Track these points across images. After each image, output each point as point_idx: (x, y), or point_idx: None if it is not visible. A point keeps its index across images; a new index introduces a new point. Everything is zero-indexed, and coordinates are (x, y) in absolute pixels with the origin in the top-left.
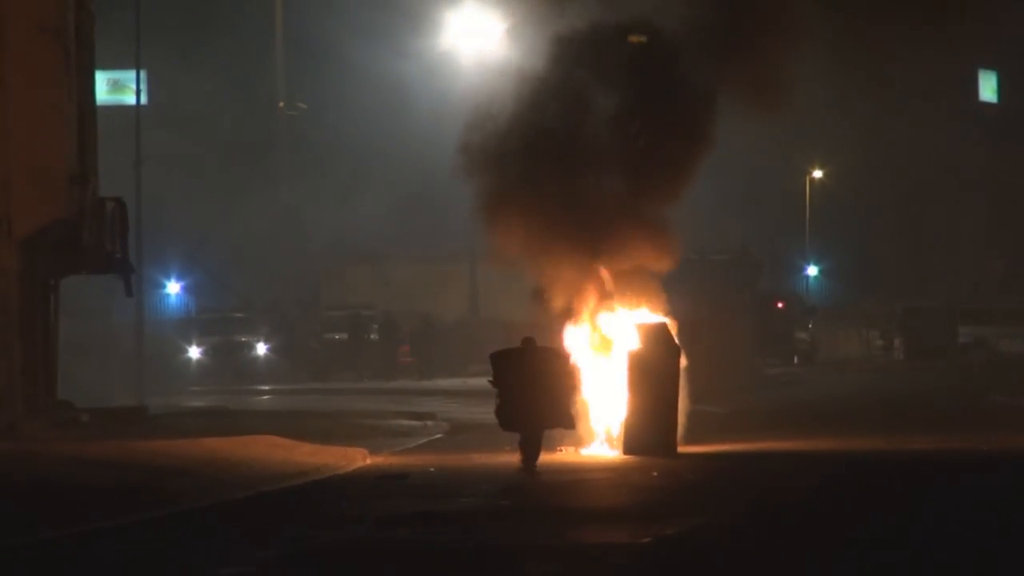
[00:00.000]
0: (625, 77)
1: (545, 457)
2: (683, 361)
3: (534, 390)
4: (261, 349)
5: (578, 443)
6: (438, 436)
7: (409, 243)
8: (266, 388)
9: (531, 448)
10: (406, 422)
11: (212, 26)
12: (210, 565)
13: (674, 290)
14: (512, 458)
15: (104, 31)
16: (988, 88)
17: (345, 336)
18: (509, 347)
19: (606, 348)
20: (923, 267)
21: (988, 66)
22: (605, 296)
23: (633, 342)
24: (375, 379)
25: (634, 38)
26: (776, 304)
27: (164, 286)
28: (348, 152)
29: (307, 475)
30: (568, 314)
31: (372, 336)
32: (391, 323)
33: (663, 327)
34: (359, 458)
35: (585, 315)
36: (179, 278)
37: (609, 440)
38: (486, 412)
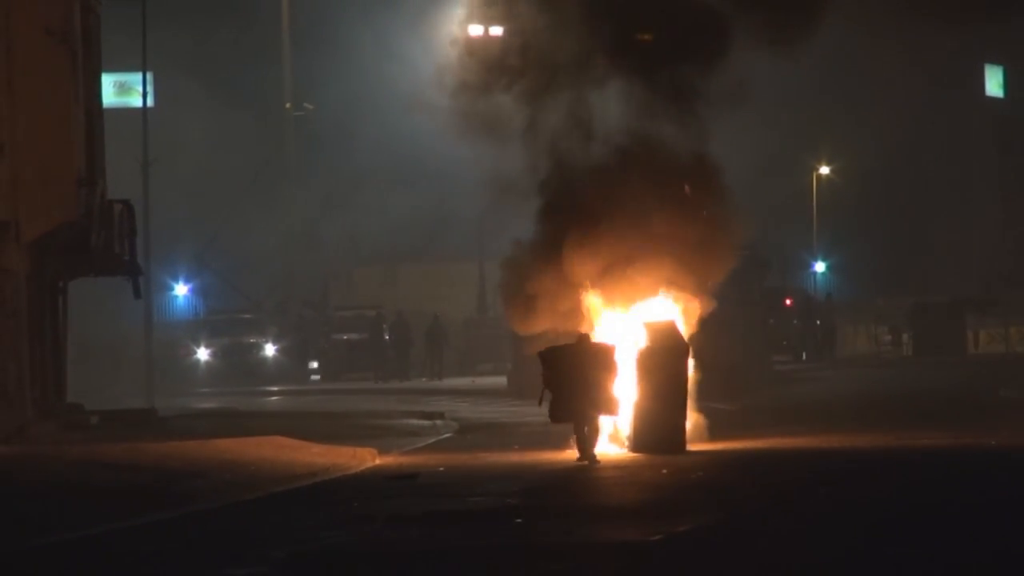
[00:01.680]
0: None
1: (552, 455)
2: (691, 359)
3: (587, 381)
4: (270, 350)
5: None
6: (447, 436)
7: (417, 243)
8: (275, 389)
9: (588, 437)
10: (415, 422)
11: (218, 26)
12: (221, 566)
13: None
14: (521, 457)
15: (110, 33)
16: (995, 82)
17: (354, 336)
18: (561, 344)
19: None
20: (931, 262)
21: (994, 60)
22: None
23: (642, 340)
24: (391, 378)
25: (644, 37)
26: (785, 301)
27: (172, 288)
28: (356, 152)
29: (317, 475)
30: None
31: (387, 336)
32: (403, 323)
33: (672, 325)
34: (369, 458)
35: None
36: (187, 280)
37: (617, 438)
38: (495, 411)
